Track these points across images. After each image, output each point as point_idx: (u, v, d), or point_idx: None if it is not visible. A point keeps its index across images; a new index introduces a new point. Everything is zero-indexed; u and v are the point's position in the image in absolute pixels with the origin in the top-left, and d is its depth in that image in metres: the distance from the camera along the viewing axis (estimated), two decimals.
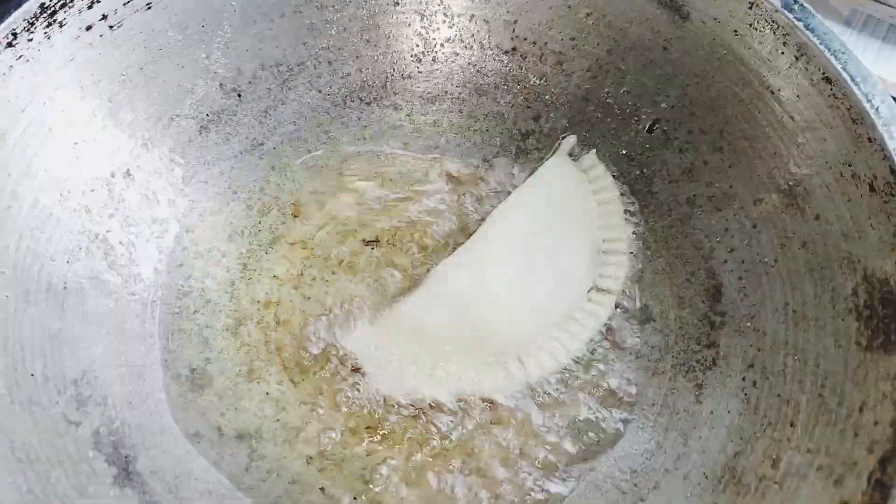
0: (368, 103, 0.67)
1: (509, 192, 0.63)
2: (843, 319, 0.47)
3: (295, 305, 0.58)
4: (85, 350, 0.51)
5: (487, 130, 0.67)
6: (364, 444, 0.53)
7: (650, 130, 0.63)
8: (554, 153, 0.65)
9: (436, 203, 0.63)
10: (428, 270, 0.60)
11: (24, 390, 0.46)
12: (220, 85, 0.62)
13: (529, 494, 0.51)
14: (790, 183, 0.53)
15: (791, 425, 0.46)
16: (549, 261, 0.60)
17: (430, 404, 0.55)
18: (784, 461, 0.44)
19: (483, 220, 0.61)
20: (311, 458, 0.52)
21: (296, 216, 0.63)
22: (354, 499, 0.51)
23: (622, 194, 0.63)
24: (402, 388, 0.55)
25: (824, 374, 0.47)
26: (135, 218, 0.58)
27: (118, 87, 0.57)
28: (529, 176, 0.63)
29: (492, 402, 0.55)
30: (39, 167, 0.52)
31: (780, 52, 0.54)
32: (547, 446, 0.53)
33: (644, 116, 0.63)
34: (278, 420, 0.54)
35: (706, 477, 0.47)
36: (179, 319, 0.57)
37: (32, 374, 0.47)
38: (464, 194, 0.63)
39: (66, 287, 0.52)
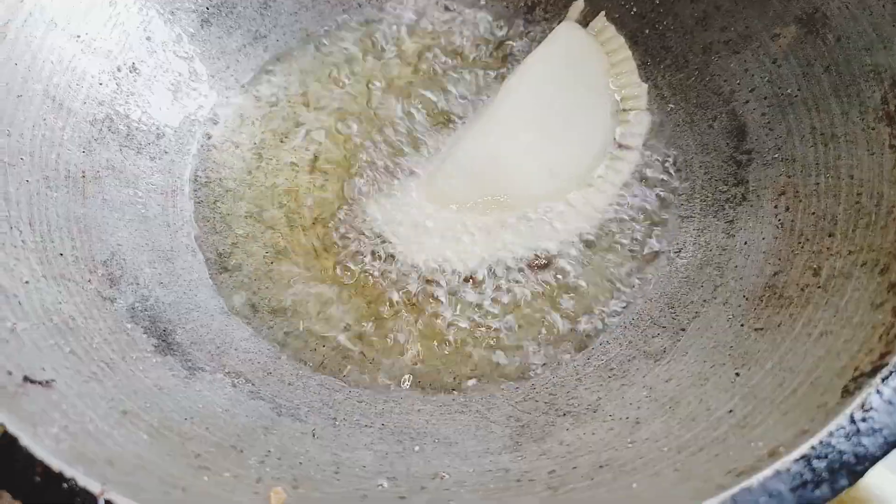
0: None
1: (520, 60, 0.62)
2: (873, 129, 0.47)
3: (315, 190, 0.58)
4: (111, 234, 0.51)
5: (492, 6, 0.66)
6: (399, 315, 0.52)
7: None
8: (562, 21, 0.64)
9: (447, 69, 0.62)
10: (446, 137, 0.59)
11: (55, 267, 0.45)
12: None
13: (569, 328, 0.51)
14: (808, 11, 0.52)
15: (829, 236, 0.46)
16: (569, 122, 0.59)
17: (463, 275, 0.54)
18: (826, 268, 0.44)
19: (498, 84, 0.61)
20: (348, 325, 0.52)
21: (306, 105, 0.62)
22: (403, 357, 0.51)
23: (635, 52, 0.62)
24: (432, 257, 0.55)
25: (860, 182, 0.46)
26: (145, 111, 0.57)
27: None
28: (540, 44, 0.62)
29: (522, 260, 0.54)
30: (45, 58, 0.52)
31: None
32: (580, 292, 0.53)
33: None
34: (311, 294, 0.53)
35: (746, 299, 0.47)
36: (201, 208, 0.57)
37: (62, 254, 0.47)
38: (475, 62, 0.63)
39: (85, 175, 0.52)
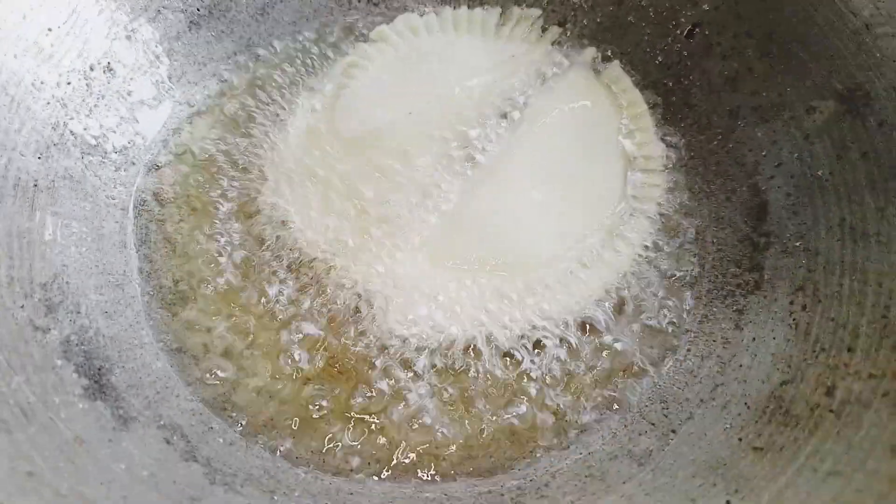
0: (376, 3, 0.61)
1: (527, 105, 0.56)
2: None
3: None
4: (57, 254, 0.46)
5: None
6: (365, 385, 0.47)
7: (689, 36, 0.56)
8: (572, 67, 0.58)
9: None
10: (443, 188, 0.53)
11: None
12: None
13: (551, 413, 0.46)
14: (850, 88, 0.47)
15: (849, 350, 0.41)
16: (577, 181, 0.54)
17: (442, 343, 0.48)
18: (841, 389, 0.39)
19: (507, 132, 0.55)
20: (307, 379, 0.47)
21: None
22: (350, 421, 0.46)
23: (655, 106, 0.57)
24: (416, 320, 0.49)
25: (889, 293, 0.41)
26: (116, 116, 0.52)
27: None
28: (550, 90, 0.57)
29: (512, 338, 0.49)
30: (7, 52, 0.47)
31: None
32: (567, 378, 0.47)
33: (683, 20, 0.56)
34: (272, 342, 0.48)
35: (748, 407, 0.42)
36: (163, 227, 0.52)
37: None
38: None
39: (38, 185, 0.47)
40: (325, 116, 0.55)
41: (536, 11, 0.60)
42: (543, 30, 0.60)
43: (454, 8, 0.60)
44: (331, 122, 0.55)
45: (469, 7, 0.60)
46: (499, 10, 0.60)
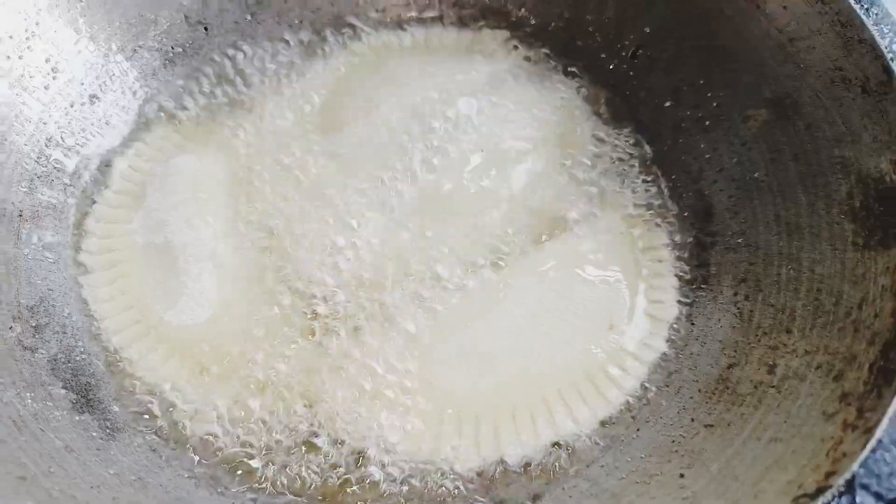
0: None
1: None
2: (837, 224, 0.45)
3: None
4: (43, 279, 0.48)
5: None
6: None
7: (634, 56, 0.61)
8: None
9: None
10: None
11: None
12: (185, 17, 0.60)
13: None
14: (779, 96, 0.52)
15: (787, 332, 0.44)
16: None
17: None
18: (781, 366, 0.42)
19: None
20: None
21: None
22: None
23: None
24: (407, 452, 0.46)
25: (820, 278, 0.44)
26: (96, 148, 0.55)
27: (77, 12, 0.54)
28: None
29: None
30: None
31: None
32: None
33: (628, 42, 0.61)
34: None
35: (699, 391, 0.45)
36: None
37: None
38: None
39: (22, 215, 0.49)
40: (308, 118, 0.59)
41: (504, 33, 0.64)
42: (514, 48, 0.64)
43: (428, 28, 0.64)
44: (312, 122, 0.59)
45: (443, 26, 0.65)
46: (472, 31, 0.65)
